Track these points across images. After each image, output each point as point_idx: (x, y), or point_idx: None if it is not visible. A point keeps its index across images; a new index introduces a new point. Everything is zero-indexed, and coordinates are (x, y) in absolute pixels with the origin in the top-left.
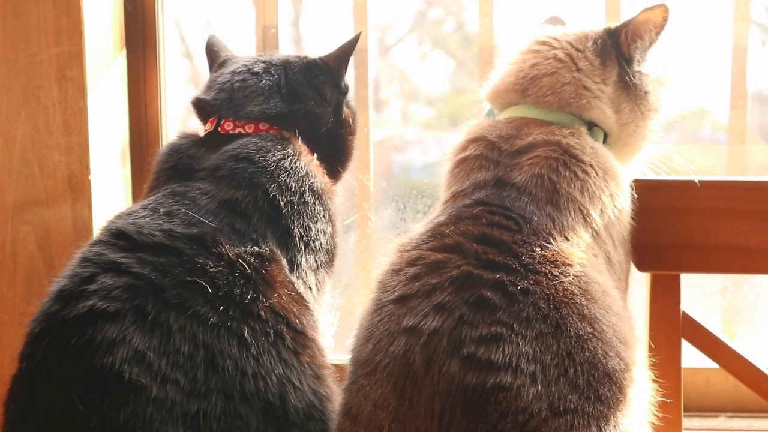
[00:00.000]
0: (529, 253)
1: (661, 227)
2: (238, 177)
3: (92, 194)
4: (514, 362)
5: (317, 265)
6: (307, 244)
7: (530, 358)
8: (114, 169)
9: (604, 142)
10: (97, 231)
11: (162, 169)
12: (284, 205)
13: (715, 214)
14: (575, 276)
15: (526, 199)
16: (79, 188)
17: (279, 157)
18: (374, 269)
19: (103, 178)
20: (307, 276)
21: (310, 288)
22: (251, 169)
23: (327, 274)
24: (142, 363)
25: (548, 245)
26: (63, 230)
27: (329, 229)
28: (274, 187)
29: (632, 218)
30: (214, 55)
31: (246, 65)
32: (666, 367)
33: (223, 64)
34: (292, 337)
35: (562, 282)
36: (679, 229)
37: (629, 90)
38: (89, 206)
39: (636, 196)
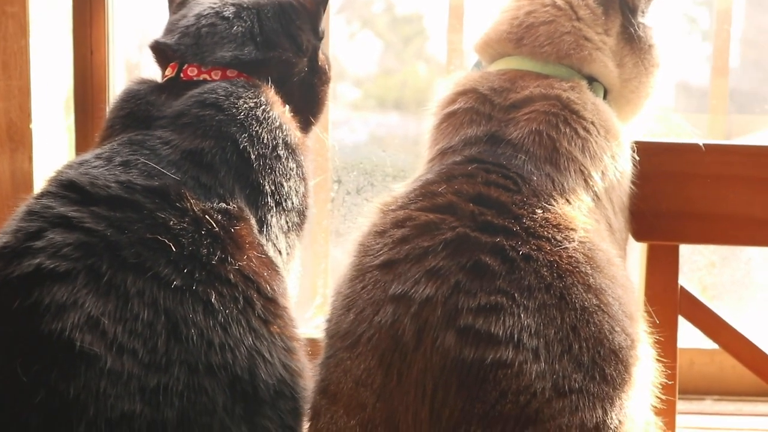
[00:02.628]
0: (530, 215)
1: (661, 194)
2: (205, 125)
3: (33, 145)
4: (515, 336)
5: (288, 227)
6: (278, 203)
7: (533, 331)
8: (57, 118)
9: (604, 98)
10: (38, 185)
11: (117, 116)
12: (255, 158)
13: (719, 181)
14: (580, 242)
15: (523, 157)
16: (18, 138)
17: (251, 105)
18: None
19: (45, 127)
20: (277, 238)
21: (280, 252)
22: (219, 116)
23: (297, 237)
24: (96, 330)
25: (550, 207)
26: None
27: (302, 188)
28: (244, 138)
29: (632, 183)
30: None
31: (213, 8)
32: (662, 345)
33: (182, 3)
34: (263, 304)
35: (566, 248)
36: (680, 196)
37: (633, 42)
38: (29, 158)
39: (638, 158)
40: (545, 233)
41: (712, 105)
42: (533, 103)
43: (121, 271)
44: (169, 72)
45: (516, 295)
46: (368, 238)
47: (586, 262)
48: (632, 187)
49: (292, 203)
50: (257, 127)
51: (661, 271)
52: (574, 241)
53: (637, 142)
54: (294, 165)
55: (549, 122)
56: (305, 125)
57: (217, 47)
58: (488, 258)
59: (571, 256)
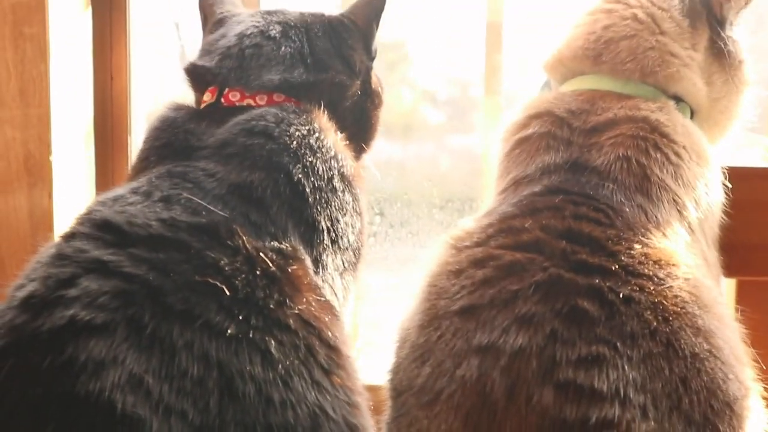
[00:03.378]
0: (628, 251)
1: (753, 224)
2: (253, 155)
3: (53, 179)
4: (621, 391)
5: (344, 267)
6: (334, 241)
7: (639, 385)
8: (78, 150)
9: (691, 119)
10: (58, 223)
11: (153, 147)
12: (310, 192)
13: None
14: (684, 279)
15: (612, 186)
16: (37, 171)
17: (304, 132)
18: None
19: (65, 160)
20: (333, 280)
21: (336, 294)
22: (270, 146)
23: (353, 278)
24: (139, 390)
25: (648, 242)
26: (17, 222)
27: (358, 224)
28: (298, 170)
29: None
30: (208, 11)
31: (257, 26)
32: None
33: (220, 22)
34: (326, 353)
35: (670, 287)
36: None
37: (722, 58)
38: (49, 194)
39: (730, 186)
40: (646, 271)
41: None
42: (618, 126)
43: (165, 320)
44: (207, 97)
45: (618, 343)
46: (441, 279)
47: (692, 301)
48: (723, 217)
49: (348, 241)
50: (311, 157)
51: (753, 309)
52: (678, 278)
53: (727, 168)
54: (350, 198)
55: (638, 147)
56: (357, 153)
57: (263, 70)
58: (585, 302)
59: (676, 296)
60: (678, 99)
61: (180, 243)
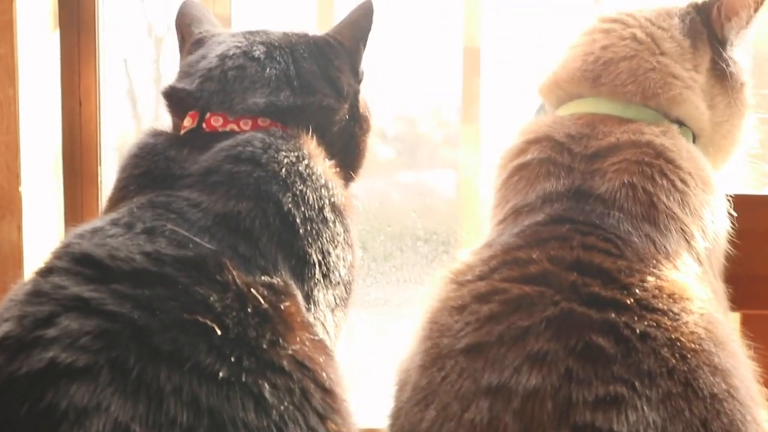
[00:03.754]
0: (641, 284)
1: (758, 254)
2: (240, 184)
3: (23, 211)
4: None
5: (335, 303)
6: (325, 275)
7: (659, 428)
8: (47, 180)
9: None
10: (29, 259)
11: (131, 175)
12: (301, 222)
13: None
14: (699, 314)
15: (618, 215)
16: (5, 203)
17: (292, 159)
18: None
19: (35, 191)
20: (324, 316)
21: (327, 332)
22: (258, 173)
23: (344, 314)
24: None
25: (660, 274)
26: None
27: (349, 257)
28: (288, 199)
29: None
30: (185, 31)
31: (239, 47)
32: None
33: (199, 43)
34: (321, 396)
35: (686, 322)
36: None
37: (725, 80)
38: (18, 227)
39: (735, 214)
40: (660, 305)
41: None
42: (621, 151)
43: (152, 363)
44: (188, 122)
45: (636, 383)
46: (442, 316)
47: (708, 338)
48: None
49: (340, 275)
50: (301, 186)
51: (759, 343)
52: (692, 313)
53: (732, 195)
54: (341, 230)
55: (643, 173)
56: (346, 182)
57: (248, 93)
58: (600, 338)
59: (692, 332)
60: (680, 123)
61: (166, 278)
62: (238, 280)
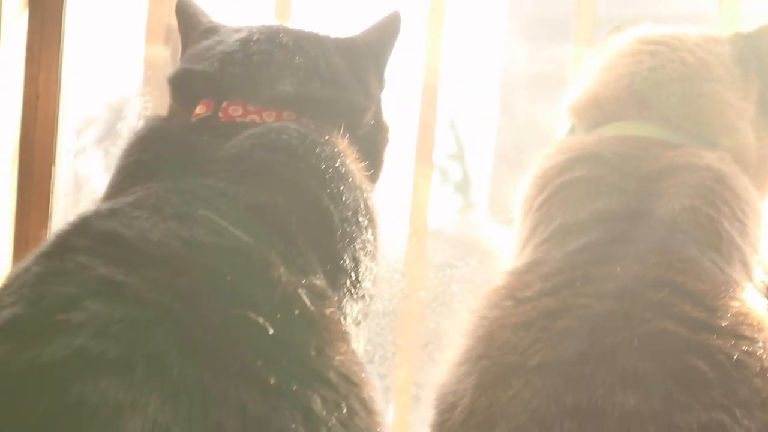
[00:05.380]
0: (725, 309)
1: None
2: (274, 175)
3: None
4: None
5: (358, 319)
6: (354, 285)
7: None
8: (2, 176)
9: None
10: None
11: (140, 160)
12: (338, 223)
13: None
14: None
15: (682, 238)
16: None
17: (330, 154)
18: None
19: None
20: (351, 332)
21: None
22: (294, 165)
23: (363, 332)
24: None
25: (742, 301)
26: None
27: (375, 269)
28: (326, 196)
29: None
30: (188, 20)
31: (263, 33)
32: None
33: (211, 30)
34: (365, 416)
35: None
36: None
37: None
38: None
39: None
40: (747, 333)
41: None
42: (678, 173)
43: (194, 361)
44: (201, 110)
45: (736, 411)
46: (500, 333)
47: None
48: None
49: (365, 288)
50: (339, 184)
51: None
52: None
53: None
54: (372, 237)
55: (704, 198)
56: None
57: (275, 80)
58: (699, 360)
59: None
60: None
61: (208, 268)
62: (284, 278)
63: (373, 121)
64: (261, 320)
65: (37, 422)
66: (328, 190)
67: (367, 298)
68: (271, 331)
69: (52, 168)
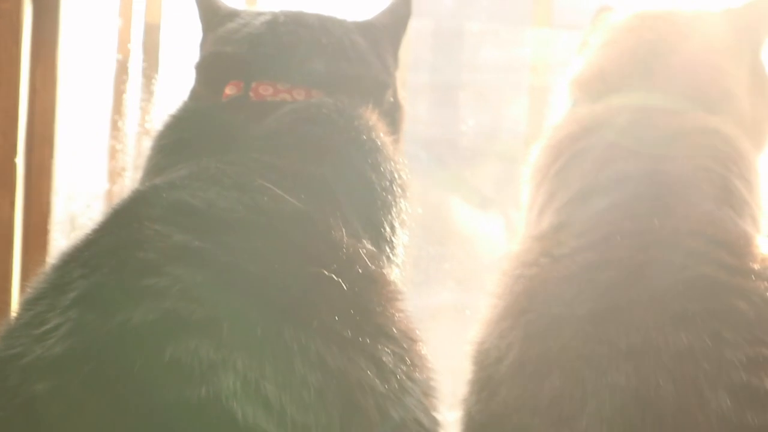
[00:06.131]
0: (753, 255)
1: None
2: (320, 146)
3: (16, 185)
4: None
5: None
6: (392, 252)
7: None
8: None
9: None
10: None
11: (182, 139)
12: (379, 191)
13: None
14: None
15: (700, 195)
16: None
17: (367, 126)
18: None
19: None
20: None
21: None
22: (335, 137)
23: None
24: (257, 400)
25: (764, 250)
26: None
27: (406, 239)
28: (368, 166)
29: None
30: (208, 7)
31: (287, 15)
32: None
33: (234, 15)
34: (423, 371)
35: None
36: None
37: (763, 84)
38: (11, 203)
39: None
40: None
41: None
42: (688, 137)
43: (275, 319)
44: (231, 90)
45: None
46: (542, 287)
47: None
48: None
49: (399, 257)
50: (377, 155)
51: None
52: None
53: None
54: (405, 207)
55: (715, 158)
56: None
57: (305, 60)
58: (739, 302)
59: None
60: None
61: (277, 231)
62: (345, 239)
63: (392, 99)
64: (335, 277)
65: (133, 383)
66: (369, 161)
67: (399, 267)
68: (345, 287)
69: (52, 162)
